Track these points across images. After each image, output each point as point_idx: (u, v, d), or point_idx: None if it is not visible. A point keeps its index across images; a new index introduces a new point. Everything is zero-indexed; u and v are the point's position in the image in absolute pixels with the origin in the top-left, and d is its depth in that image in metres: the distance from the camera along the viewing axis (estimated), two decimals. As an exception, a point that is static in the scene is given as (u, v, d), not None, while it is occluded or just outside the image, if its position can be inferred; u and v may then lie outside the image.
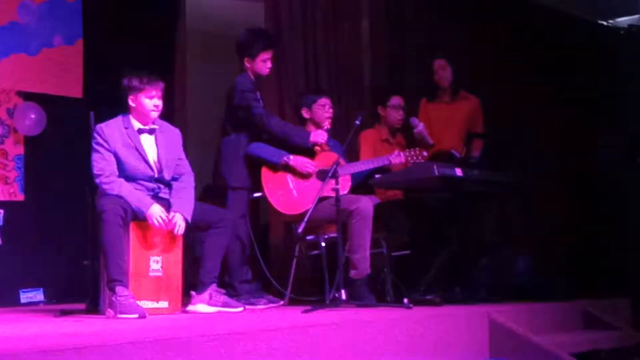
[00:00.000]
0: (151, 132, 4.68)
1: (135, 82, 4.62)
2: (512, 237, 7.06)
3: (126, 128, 4.63)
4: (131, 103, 4.64)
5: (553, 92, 7.03)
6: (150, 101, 4.63)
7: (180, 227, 4.54)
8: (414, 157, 5.51)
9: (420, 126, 5.84)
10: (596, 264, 6.56)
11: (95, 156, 4.55)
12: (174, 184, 4.69)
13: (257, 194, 5.39)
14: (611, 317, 5.68)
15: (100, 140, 4.55)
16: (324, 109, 5.54)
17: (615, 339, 5.44)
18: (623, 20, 7.77)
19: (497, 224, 7.16)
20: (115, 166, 4.54)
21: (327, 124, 5.48)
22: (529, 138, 7.20)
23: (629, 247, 6.77)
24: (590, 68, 6.91)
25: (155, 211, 4.49)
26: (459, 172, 5.27)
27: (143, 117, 4.66)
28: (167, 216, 4.51)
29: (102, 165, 4.53)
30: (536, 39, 7.14)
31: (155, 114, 4.68)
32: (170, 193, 4.67)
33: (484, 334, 4.72)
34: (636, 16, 7.40)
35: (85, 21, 5.98)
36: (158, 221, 4.47)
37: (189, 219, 4.59)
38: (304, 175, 5.38)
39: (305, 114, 5.56)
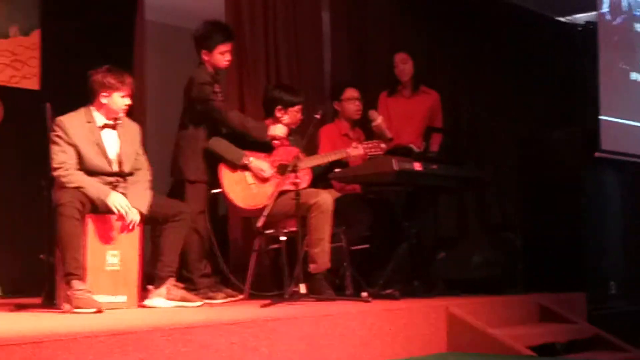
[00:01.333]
0: (113, 127, 4.64)
1: (112, 80, 4.57)
2: (470, 231, 7.12)
3: (88, 122, 4.58)
4: (102, 100, 4.58)
5: (511, 87, 7.09)
6: (123, 100, 4.60)
7: (134, 222, 4.50)
8: (372, 149, 5.52)
9: (378, 119, 5.84)
10: (553, 258, 6.63)
11: (55, 149, 4.49)
12: (129, 179, 4.65)
13: (216, 190, 5.37)
14: (567, 311, 5.76)
15: (61, 133, 4.50)
16: (297, 114, 5.53)
17: (571, 332, 5.51)
18: (580, 17, 7.86)
19: (455, 218, 7.22)
20: (75, 159, 4.49)
21: (285, 118, 5.46)
22: (487, 133, 7.25)
23: (585, 241, 6.85)
24: (548, 63, 6.97)
25: (116, 198, 4.45)
26: (417, 166, 5.30)
27: (110, 114, 4.62)
28: (127, 204, 4.47)
29: (62, 158, 4.47)
30: (494, 34, 7.19)
31: (124, 113, 4.65)
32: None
33: (442, 327, 4.76)
34: (593, 13, 7.48)
35: (42, 12, 5.90)
36: (122, 207, 4.44)
37: (144, 211, 4.56)
38: (262, 171, 5.37)
39: (278, 112, 5.51)
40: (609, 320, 6.07)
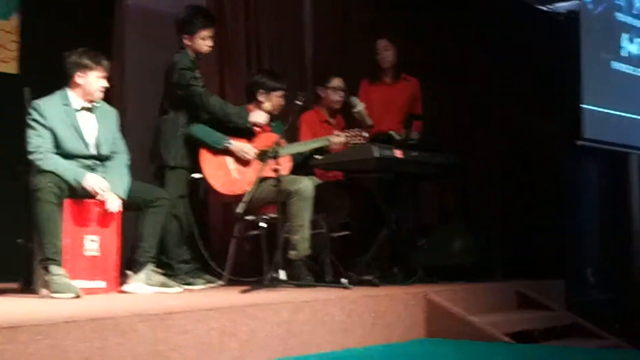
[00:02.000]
0: (90, 110, 4.61)
1: (87, 60, 4.55)
2: (450, 218, 7.14)
3: (65, 105, 4.56)
4: (78, 80, 4.56)
5: (492, 75, 7.09)
6: (99, 81, 4.58)
7: (112, 205, 4.48)
8: (354, 138, 5.53)
9: (359, 106, 5.84)
10: (532, 245, 6.66)
11: (30, 132, 4.46)
12: (107, 164, 4.63)
13: (196, 175, 5.35)
14: (545, 298, 5.79)
15: (37, 117, 4.47)
16: (279, 99, 5.52)
17: (549, 319, 5.55)
18: (562, 6, 7.86)
19: (435, 206, 7.24)
20: (51, 143, 4.46)
21: (265, 105, 5.45)
22: (468, 120, 7.27)
23: (564, 229, 6.89)
24: (529, 52, 6.98)
25: (93, 179, 4.43)
26: (398, 153, 5.30)
27: (86, 96, 4.59)
28: (105, 183, 4.45)
29: (38, 142, 4.44)
30: (476, 22, 7.19)
31: (100, 95, 4.63)
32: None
33: (421, 313, 4.78)
34: (575, 2, 7.50)
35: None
36: (99, 187, 4.41)
37: (123, 196, 4.54)
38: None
39: (260, 96, 5.50)
40: (586, 308, 6.11)
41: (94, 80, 4.57)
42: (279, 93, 5.51)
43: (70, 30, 5.78)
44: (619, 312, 6.66)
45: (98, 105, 4.65)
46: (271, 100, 5.49)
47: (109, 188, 4.49)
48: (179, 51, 5.37)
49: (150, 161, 5.41)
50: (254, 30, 6.64)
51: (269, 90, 5.49)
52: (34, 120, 4.47)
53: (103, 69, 4.58)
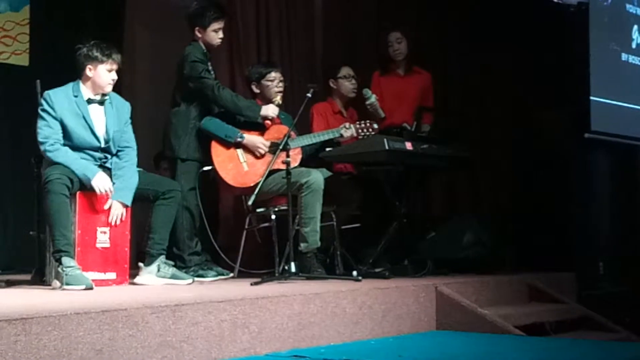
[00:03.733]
0: (101, 102, 4.62)
1: (97, 53, 4.55)
2: (460, 210, 7.12)
3: (75, 96, 4.56)
4: (88, 73, 4.56)
5: (502, 67, 7.07)
6: (109, 74, 4.58)
7: (117, 216, 4.50)
8: (365, 130, 5.53)
9: (372, 98, 5.83)
10: (542, 238, 6.64)
11: (40, 123, 4.47)
12: (114, 162, 4.61)
13: (207, 167, 5.36)
14: (556, 291, 5.78)
15: (47, 107, 4.48)
16: (273, 83, 5.51)
17: (560, 312, 5.54)
18: (573, -3, 7.83)
19: (446, 198, 7.23)
20: (61, 134, 4.47)
21: (277, 99, 5.44)
22: (478, 113, 7.25)
23: (575, 222, 6.87)
24: (539, 44, 6.95)
25: (101, 179, 4.44)
26: (409, 145, 5.30)
27: (96, 89, 4.60)
28: (111, 187, 4.46)
29: (47, 132, 4.45)
30: (485, 14, 7.16)
31: (110, 88, 4.63)
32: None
33: (432, 306, 4.79)
34: (585, -6, 7.46)
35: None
36: (105, 190, 4.43)
37: (129, 203, 4.56)
38: (255, 150, 5.37)
39: (254, 88, 5.53)
40: (597, 301, 6.09)
41: (103, 74, 4.57)
42: (271, 76, 5.49)
43: (82, 23, 5.80)
44: (630, 305, 6.64)
45: (109, 97, 4.65)
46: (263, 88, 5.48)
47: (113, 194, 4.48)
48: (190, 43, 5.37)
49: (162, 153, 5.42)
50: (265, 22, 6.63)
51: (258, 78, 5.49)
52: (44, 110, 4.48)
53: (113, 62, 4.58)
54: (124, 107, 4.75)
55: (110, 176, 4.53)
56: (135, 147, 4.74)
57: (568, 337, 5.27)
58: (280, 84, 5.53)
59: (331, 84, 6.01)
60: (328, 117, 5.91)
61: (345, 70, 5.98)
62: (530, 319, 5.15)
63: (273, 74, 5.51)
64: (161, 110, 5.56)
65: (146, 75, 6.33)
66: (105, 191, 4.44)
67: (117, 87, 4.79)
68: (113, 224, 4.51)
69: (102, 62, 4.55)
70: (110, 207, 4.49)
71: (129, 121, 4.76)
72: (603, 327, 5.58)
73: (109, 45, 4.62)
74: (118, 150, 4.66)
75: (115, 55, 4.60)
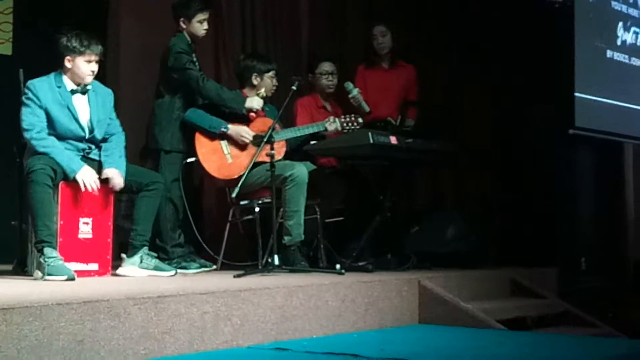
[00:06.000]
0: (84, 92, 4.59)
1: (75, 44, 4.50)
2: (444, 205, 7.14)
3: (58, 87, 4.53)
4: (67, 64, 4.52)
5: (487, 63, 7.08)
6: (88, 65, 4.53)
7: (117, 182, 4.50)
8: (350, 124, 5.53)
9: (354, 91, 5.82)
10: (525, 233, 6.67)
11: (25, 110, 4.44)
12: (104, 145, 4.61)
13: (190, 159, 5.34)
14: (538, 286, 5.81)
15: (31, 96, 4.44)
16: (274, 80, 5.51)
17: (542, 306, 5.57)
18: (558, -6, 7.85)
19: (429, 193, 7.24)
20: (45, 123, 4.44)
21: (262, 92, 5.43)
22: (462, 108, 7.26)
23: (557, 217, 6.90)
24: (524, 40, 6.97)
25: (87, 173, 4.41)
26: (393, 139, 5.30)
27: (76, 79, 4.56)
28: (97, 180, 4.44)
29: (32, 120, 4.41)
30: (471, 9, 7.17)
31: (90, 79, 4.58)
32: (100, 154, 4.60)
33: (414, 300, 4.80)
34: (571, -10, 7.48)
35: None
36: (90, 185, 4.40)
37: (123, 172, 4.56)
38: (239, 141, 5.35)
39: (255, 80, 5.49)
40: (579, 296, 6.13)
41: (82, 65, 4.52)
42: (271, 74, 5.51)
43: (66, 12, 5.75)
44: (612, 300, 6.68)
45: (92, 86, 4.62)
46: (265, 83, 5.48)
47: (99, 185, 4.46)
48: (175, 34, 5.35)
49: (146, 145, 5.40)
50: (250, 14, 6.61)
51: (261, 72, 5.48)
52: (29, 99, 4.45)
53: (91, 54, 4.51)
54: (108, 96, 4.73)
55: (94, 167, 4.51)
56: (122, 132, 4.73)
57: (549, 332, 5.29)
58: (275, 80, 5.53)
59: (310, 79, 6.01)
60: (312, 111, 5.90)
61: (324, 67, 5.96)
62: (512, 314, 5.18)
63: (274, 71, 5.52)
64: (146, 101, 5.53)
65: (131, 67, 6.28)
66: (90, 185, 4.41)
67: (102, 79, 4.76)
68: (117, 189, 4.50)
69: (80, 53, 4.50)
70: (107, 179, 4.48)
71: (113, 109, 4.73)
72: (584, 322, 5.62)
73: (89, 35, 4.55)
74: (105, 138, 4.63)
75: (95, 47, 4.53)
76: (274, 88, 5.54)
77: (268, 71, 5.50)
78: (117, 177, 4.51)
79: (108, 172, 4.51)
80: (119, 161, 4.58)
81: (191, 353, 3.47)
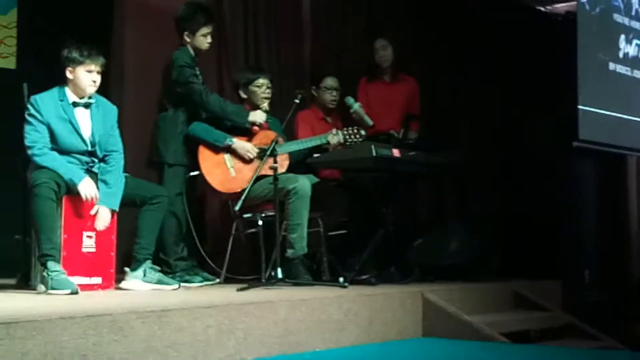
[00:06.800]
0: (87, 106, 4.60)
1: (75, 54, 4.51)
2: (447, 218, 7.14)
3: (61, 100, 4.53)
4: (68, 75, 4.53)
5: (491, 75, 7.10)
6: (89, 75, 4.53)
7: (104, 222, 4.48)
8: (352, 137, 5.53)
9: (355, 105, 5.83)
10: (529, 246, 6.67)
11: (27, 128, 4.45)
12: (101, 167, 4.58)
13: (194, 173, 5.35)
14: (541, 298, 5.80)
15: (34, 112, 4.45)
16: (260, 89, 5.50)
17: (545, 319, 5.56)
18: (560, 7, 7.88)
19: (432, 205, 7.24)
20: (48, 138, 4.45)
21: (265, 106, 5.42)
22: (466, 121, 7.27)
23: (561, 230, 6.90)
24: (527, 52, 6.99)
25: (87, 185, 4.42)
26: (396, 152, 5.31)
27: (79, 91, 4.57)
28: (97, 193, 4.45)
29: (35, 137, 4.42)
30: (474, 22, 7.19)
31: (92, 90, 4.58)
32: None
33: (418, 313, 4.79)
34: (573, 3, 7.51)
35: (20, -9, 5.84)
36: (91, 196, 4.41)
37: (116, 208, 4.54)
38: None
39: (241, 93, 5.52)
40: (582, 309, 6.12)
41: (83, 75, 4.52)
42: (257, 83, 5.49)
43: (69, 26, 5.77)
44: (616, 313, 6.67)
45: (95, 101, 4.63)
46: (252, 93, 5.48)
47: (99, 197, 4.46)
48: (178, 48, 5.37)
49: (150, 158, 5.40)
50: (253, 27, 6.63)
51: (246, 85, 5.49)
52: (31, 115, 4.45)
53: (91, 63, 4.52)
54: (111, 111, 4.72)
55: (96, 181, 4.51)
56: (122, 151, 4.71)
57: (553, 345, 5.28)
58: (268, 91, 5.52)
59: (313, 92, 6.02)
60: (313, 124, 5.91)
61: (328, 82, 5.97)
62: (515, 327, 5.17)
63: (261, 80, 5.51)
64: (149, 114, 5.54)
65: (135, 80, 6.30)
66: (91, 197, 4.42)
67: (105, 92, 4.77)
68: (100, 229, 4.49)
69: (80, 63, 4.50)
70: (96, 213, 4.47)
71: (116, 125, 4.73)
72: (588, 335, 5.61)
73: (90, 46, 4.56)
74: (105, 155, 4.63)
75: (95, 57, 4.53)
76: (267, 97, 5.50)
77: (250, 82, 5.50)
78: (102, 219, 4.47)
79: (100, 208, 4.48)
80: (113, 195, 4.53)
81: (195, 367, 3.47)
